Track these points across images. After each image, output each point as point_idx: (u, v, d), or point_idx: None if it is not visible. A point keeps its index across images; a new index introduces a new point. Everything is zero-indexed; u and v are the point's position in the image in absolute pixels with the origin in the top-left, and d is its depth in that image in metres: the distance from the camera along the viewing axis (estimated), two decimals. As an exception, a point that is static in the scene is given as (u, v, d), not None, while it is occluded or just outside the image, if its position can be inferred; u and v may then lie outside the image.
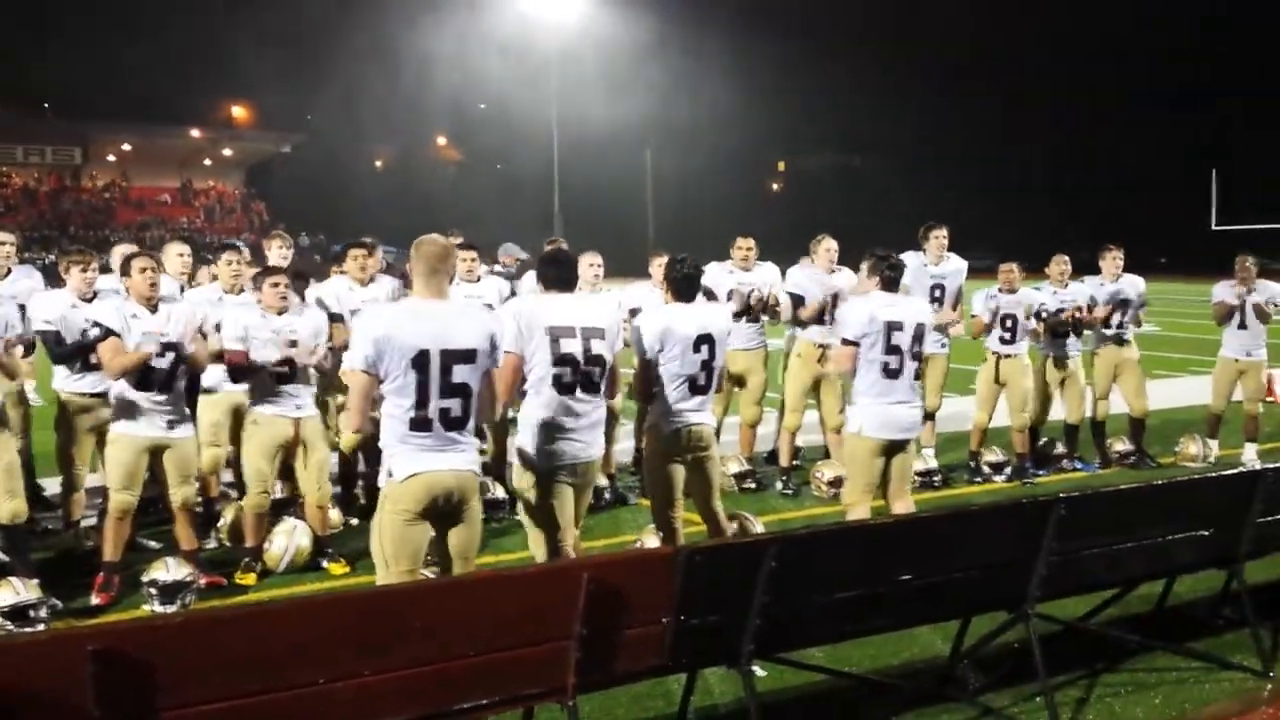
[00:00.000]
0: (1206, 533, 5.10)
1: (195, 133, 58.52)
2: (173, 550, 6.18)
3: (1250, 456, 9.39)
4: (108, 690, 2.90)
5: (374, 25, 58.61)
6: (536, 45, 41.98)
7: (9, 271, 7.35)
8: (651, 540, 6.20)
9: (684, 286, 5.70)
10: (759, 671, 4.48)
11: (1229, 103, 63.96)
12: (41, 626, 5.38)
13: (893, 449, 5.96)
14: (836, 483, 8.00)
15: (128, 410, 5.94)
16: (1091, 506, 4.71)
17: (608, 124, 51.00)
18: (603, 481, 7.87)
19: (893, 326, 5.87)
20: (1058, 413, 9.34)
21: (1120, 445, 9.37)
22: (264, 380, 6.27)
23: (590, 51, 46.27)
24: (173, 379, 6.02)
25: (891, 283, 6.01)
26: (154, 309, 6.01)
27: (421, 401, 4.25)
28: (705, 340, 5.57)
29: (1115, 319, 9.23)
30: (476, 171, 67.60)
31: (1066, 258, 9.35)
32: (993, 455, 8.93)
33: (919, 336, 5.97)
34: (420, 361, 4.23)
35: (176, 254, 7.51)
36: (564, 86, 42.25)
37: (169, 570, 5.81)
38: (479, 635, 3.47)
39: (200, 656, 3.10)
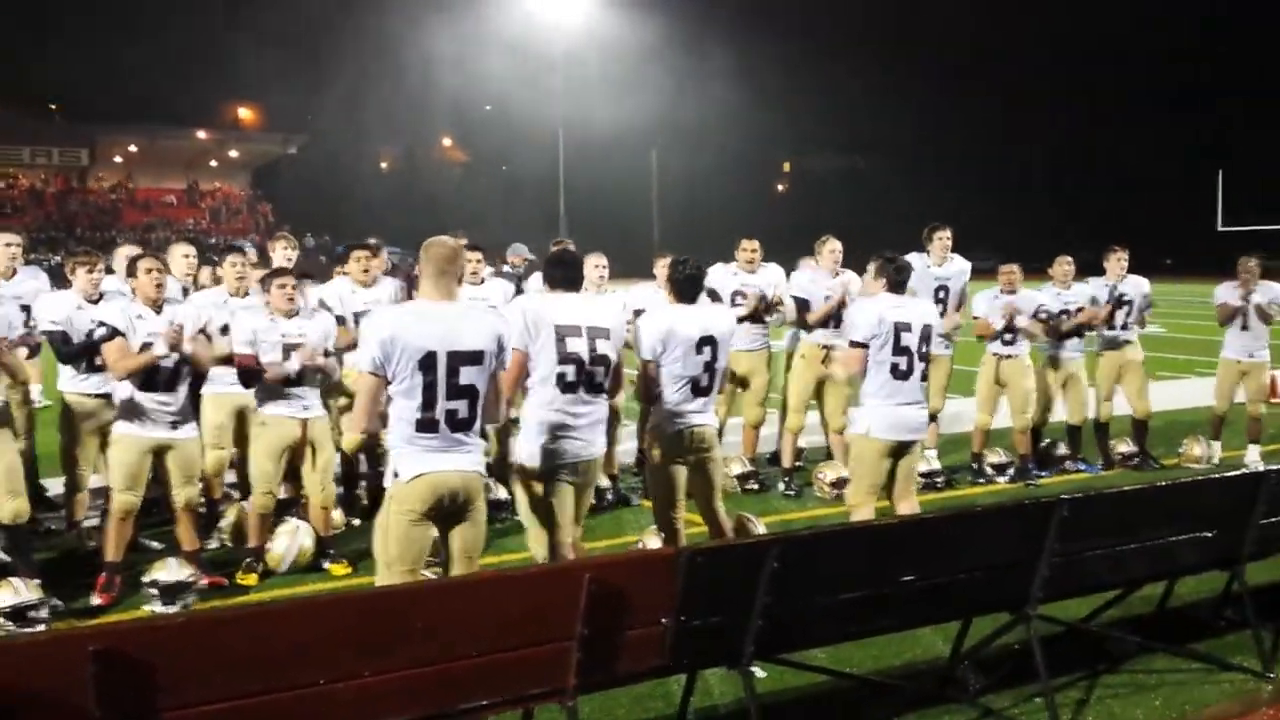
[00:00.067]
0: (1209, 534, 5.09)
1: (201, 134, 58.70)
2: (174, 551, 6.19)
3: (1253, 458, 9.37)
4: (109, 691, 2.91)
5: (379, 27, 58.74)
6: (542, 46, 42.03)
7: (14, 272, 7.37)
8: (653, 541, 6.21)
9: (686, 288, 5.70)
10: (759, 672, 4.48)
11: (1229, 103, 63.88)
12: (43, 627, 5.39)
13: (900, 450, 5.96)
14: (839, 484, 8.00)
15: (131, 411, 5.95)
16: (1094, 508, 4.70)
17: (613, 125, 51.06)
18: (605, 482, 7.88)
19: (901, 328, 5.88)
20: (1060, 414, 9.32)
21: (1123, 446, 9.36)
22: (275, 382, 6.28)
23: (595, 53, 46.34)
24: (177, 380, 6.03)
25: (898, 285, 6.02)
26: (159, 310, 6.03)
27: (428, 403, 4.27)
28: (708, 342, 5.58)
29: (1118, 318, 9.21)
30: (481, 173, 67.71)
31: (1070, 258, 9.35)
32: (996, 456, 8.92)
33: (926, 337, 5.98)
34: (428, 363, 4.25)
35: (182, 255, 7.53)
36: (569, 88, 42.35)
37: (170, 571, 5.82)
38: (480, 636, 3.48)
39: (201, 657, 3.10)
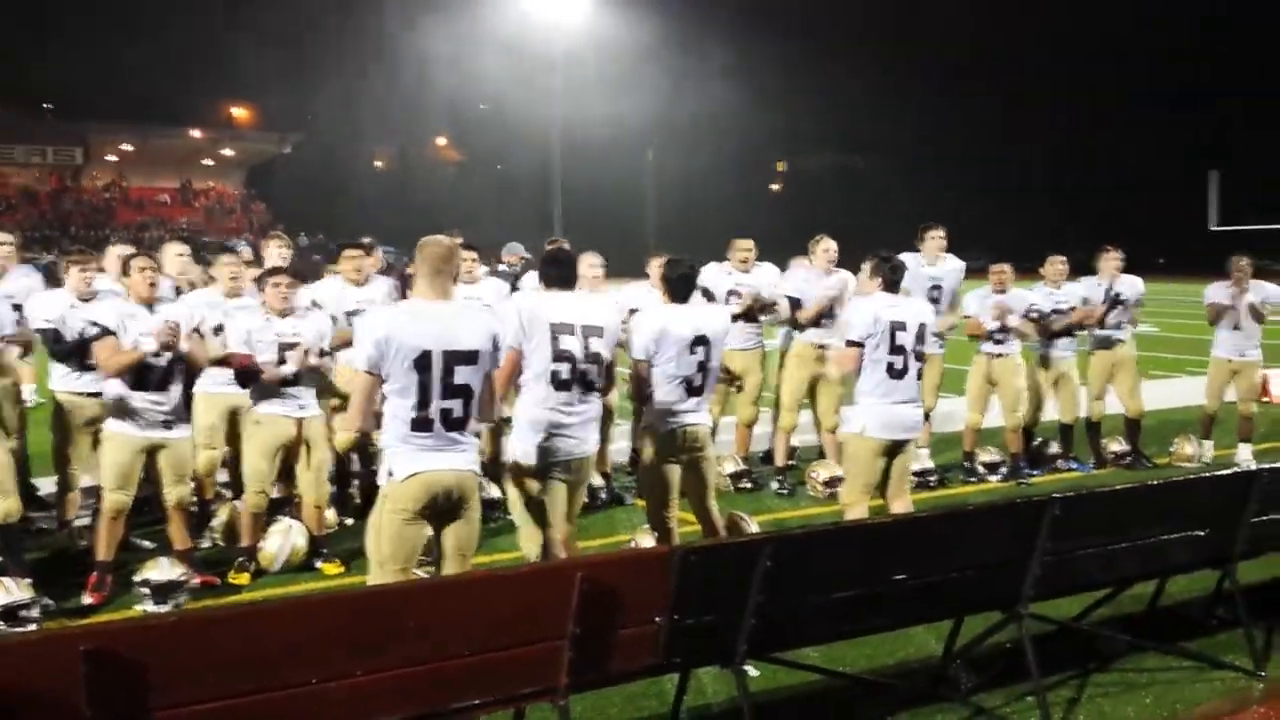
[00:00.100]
0: (1201, 533, 5.11)
1: (195, 133, 58.55)
2: (166, 550, 6.18)
3: (1245, 457, 9.40)
4: (100, 690, 2.90)
5: (374, 25, 58.63)
6: (537, 45, 41.94)
7: (6, 271, 7.35)
8: (646, 540, 6.21)
9: (680, 287, 5.72)
10: (752, 671, 4.49)
11: (1229, 103, 63.94)
12: (34, 626, 5.38)
13: (895, 449, 5.97)
14: (832, 483, 8.02)
15: (123, 410, 5.94)
16: (1086, 506, 4.72)
17: (608, 124, 51.03)
18: (598, 481, 7.88)
19: (897, 327, 5.90)
20: (1051, 413, 9.34)
21: (1115, 445, 9.38)
22: (271, 382, 6.27)
23: (591, 52, 46.26)
24: (169, 379, 6.02)
25: (893, 284, 6.04)
26: (152, 309, 6.02)
27: (423, 402, 4.28)
28: (701, 341, 5.59)
29: (1111, 317, 9.22)
30: (476, 172, 67.61)
31: (1063, 258, 9.36)
32: (988, 455, 8.94)
33: (921, 336, 5.99)
34: (423, 362, 4.26)
35: (176, 254, 7.52)
36: (565, 87, 42.23)
37: (162, 570, 5.81)
38: (473, 635, 3.48)
39: (193, 656, 3.10)
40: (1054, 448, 9.28)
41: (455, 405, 4.33)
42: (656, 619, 3.78)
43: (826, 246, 8.62)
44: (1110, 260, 9.36)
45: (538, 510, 5.10)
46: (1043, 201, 65.75)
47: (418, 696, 3.43)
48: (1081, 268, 9.53)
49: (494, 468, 7.79)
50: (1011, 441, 8.92)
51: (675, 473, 5.71)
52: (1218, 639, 5.37)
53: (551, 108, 41.09)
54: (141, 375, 5.90)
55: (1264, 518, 5.22)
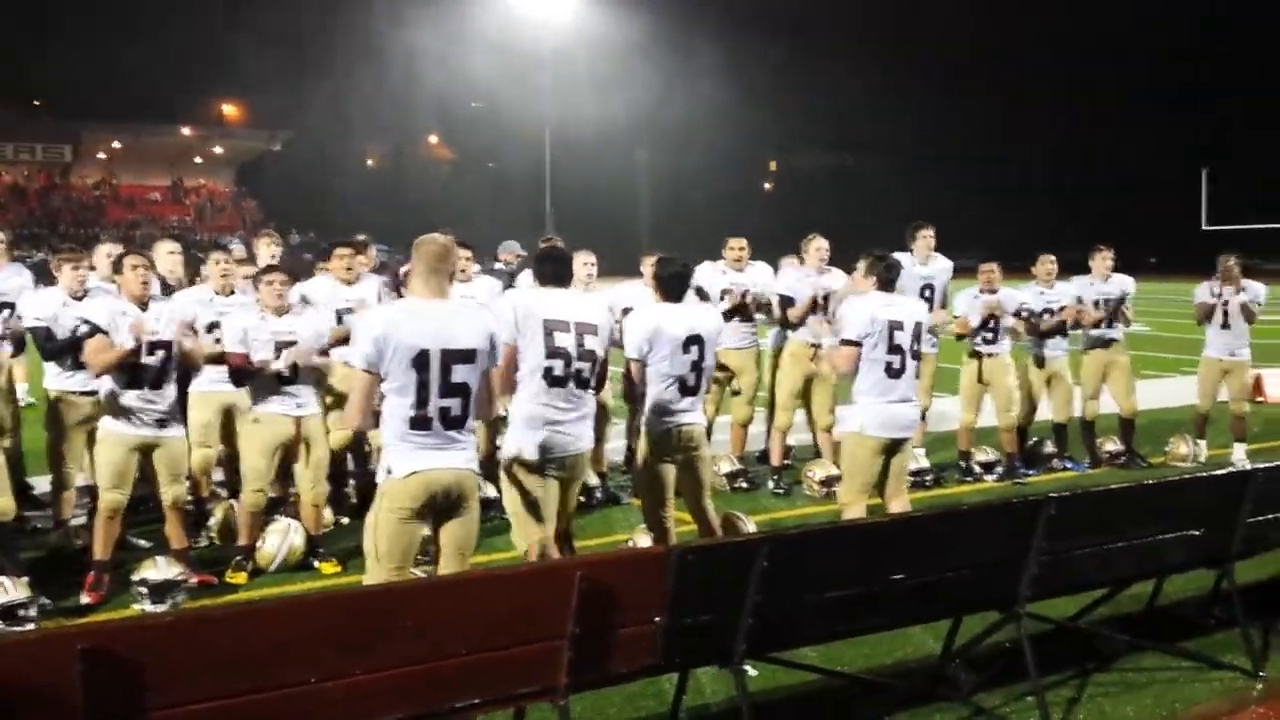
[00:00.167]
0: (1197, 532, 5.11)
1: (186, 131, 58.40)
2: (163, 549, 6.16)
3: (1239, 456, 9.41)
4: (97, 689, 2.89)
5: (365, 23, 58.54)
6: (529, 44, 41.95)
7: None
8: (644, 540, 6.21)
9: (673, 286, 5.71)
10: (751, 671, 4.47)
11: (1228, 103, 64.07)
12: (31, 626, 5.35)
13: (893, 448, 5.97)
14: (828, 482, 8.02)
15: (117, 409, 5.91)
16: (1082, 506, 4.71)
17: (600, 123, 51.05)
18: (595, 481, 7.88)
19: (894, 326, 5.89)
20: (1045, 412, 9.34)
21: (1110, 445, 9.39)
22: (265, 380, 6.26)
23: (583, 50, 46.27)
24: (163, 378, 5.99)
25: (889, 283, 6.04)
26: (144, 307, 5.99)
27: (422, 401, 4.28)
28: (695, 341, 5.59)
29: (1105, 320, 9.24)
30: (468, 170, 67.58)
31: (1053, 257, 9.37)
32: (984, 454, 8.94)
33: (918, 335, 5.99)
34: (421, 361, 4.25)
35: (167, 252, 7.50)
36: (557, 85, 42.29)
37: (159, 569, 5.79)
38: (471, 634, 3.46)
39: (190, 656, 3.08)
40: (1049, 447, 9.29)
41: (454, 404, 4.33)
42: (655, 619, 3.77)
43: (819, 245, 8.62)
44: (1103, 259, 9.37)
45: (531, 507, 5.10)
46: (1042, 201, 65.90)
47: (416, 696, 3.41)
48: (1078, 267, 9.54)
49: (489, 465, 7.79)
50: (1006, 441, 8.93)
51: (671, 472, 5.71)
52: (1215, 639, 5.37)
53: (543, 106, 41.07)
54: (135, 374, 5.88)
55: (1260, 518, 5.23)
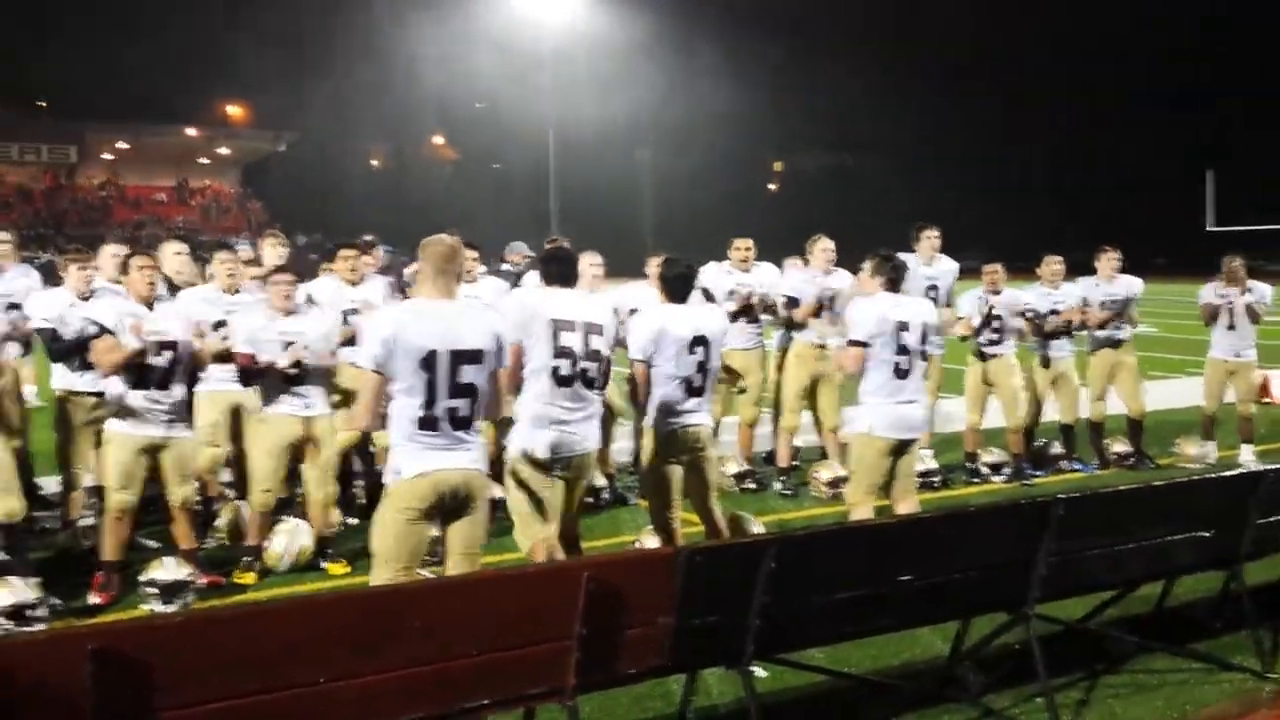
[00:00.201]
0: (1206, 534, 5.10)
1: (191, 131, 58.42)
2: (172, 550, 6.16)
3: (1247, 458, 9.40)
4: (108, 690, 2.89)
5: (370, 24, 58.60)
6: (533, 44, 41.94)
7: (3, 270, 7.31)
8: (651, 541, 6.20)
9: (678, 287, 5.71)
10: (759, 672, 4.47)
11: (1229, 103, 63.89)
12: (41, 626, 5.36)
13: (901, 449, 5.96)
14: (835, 483, 8.01)
15: (125, 409, 5.93)
16: (1090, 507, 4.71)
17: (604, 123, 51.03)
18: (602, 482, 7.87)
19: (901, 327, 5.88)
20: (1052, 414, 9.32)
21: (1119, 446, 9.37)
22: (274, 381, 6.26)
23: (586, 51, 46.24)
24: (171, 378, 6.00)
25: (895, 283, 6.02)
26: (151, 307, 6.01)
27: (430, 401, 4.29)
28: (700, 341, 5.59)
29: (1112, 321, 9.22)
30: (473, 171, 67.58)
31: (1059, 258, 9.34)
32: (991, 456, 8.92)
33: (925, 336, 5.98)
34: (429, 362, 4.27)
35: (174, 253, 7.50)
36: (560, 86, 42.22)
37: (168, 570, 5.80)
38: (479, 635, 3.47)
39: (199, 656, 3.09)
40: (1057, 448, 9.27)
41: (461, 404, 4.34)
42: (662, 620, 3.77)
43: (825, 246, 8.62)
44: (1108, 260, 9.35)
45: (536, 507, 5.10)
46: (1042, 202, 65.80)
47: (424, 697, 3.41)
48: (1081, 268, 9.52)
49: (497, 466, 7.79)
50: (1013, 442, 8.91)
51: (677, 473, 5.70)
52: (1225, 640, 5.36)
53: (547, 106, 41.06)
54: (142, 374, 5.89)
55: (1269, 519, 5.21)
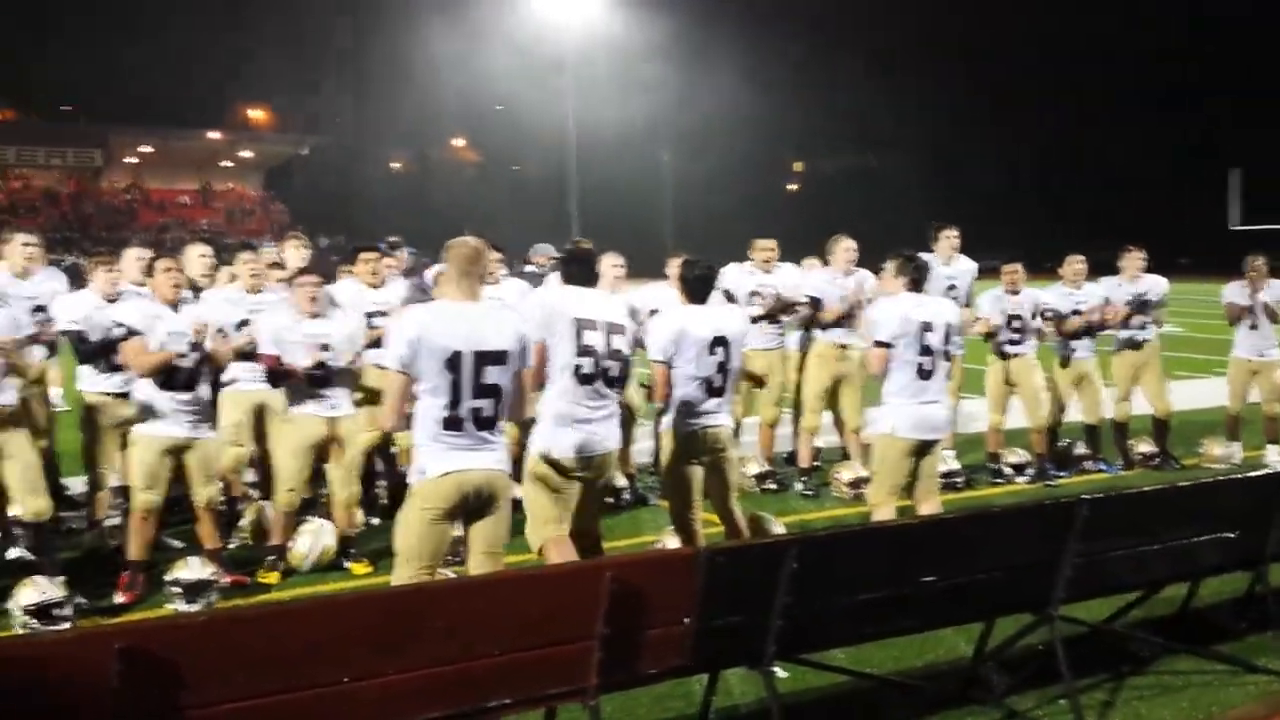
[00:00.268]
0: (1232, 535, 5.06)
1: (214, 135, 58.86)
2: (196, 549, 6.21)
3: (1274, 458, 9.31)
4: (134, 688, 2.92)
5: (391, 28, 58.82)
6: (553, 47, 42.01)
7: (31, 273, 7.37)
8: (672, 541, 6.19)
9: (698, 288, 5.71)
10: (780, 672, 4.47)
11: (1217, 102, 63.14)
12: (67, 625, 5.41)
13: (924, 449, 5.95)
14: (857, 483, 7.98)
15: (150, 410, 5.98)
16: (1116, 508, 4.68)
17: (625, 125, 51.02)
18: (623, 482, 7.88)
19: (925, 327, 5.86)
20: (1075, 414, 9.27)
21: (1143, 446, 9.30)
22: (299, 383, 6.30)
23: (606, 53, 46.29)
24: (196, 379, 6.06)
25: (918, 283, 6.00)
26: (176, 309, 6.06)
27: (454, 401, 4.33)
28: (720, 342, 5.58)
29: (1135, 319, 9.16)
30: (493, 173, 67.77)
31: (1081, 258, 9.28)
32: (1014, 456, 8.87)
33: (948, 336, 5.96)
34: (453, 362, 4.31)
35: (198, 255, 7.55)
36: (580, 88, 42.26)
37: (192, 569, 5.84)
38: (501, 635, 3.48)
39: (224, 655, 3.11)
40: (1081, 449, 9.21)
41: (485, 404, 4.38)
42: (684, 620, 3.77)
43: (847, 246, 8.60)
44: (1133, 260, 9.30)
45: (552, 505, 5.10)
46: (1068, 200, 65.44)
47: (447, 697, 3.43)
48: (1104, 268, 9.45)
49: (519, 466, 7.81)
50: (1037, 442, 8.86)
51: (698, 474, 5.70)
52: (1250, 642, 5.31)
53: (567, 108, 41.11)
54: (168, 375, 5.95)
55: (1296, 519, 5.17)
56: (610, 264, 7.51)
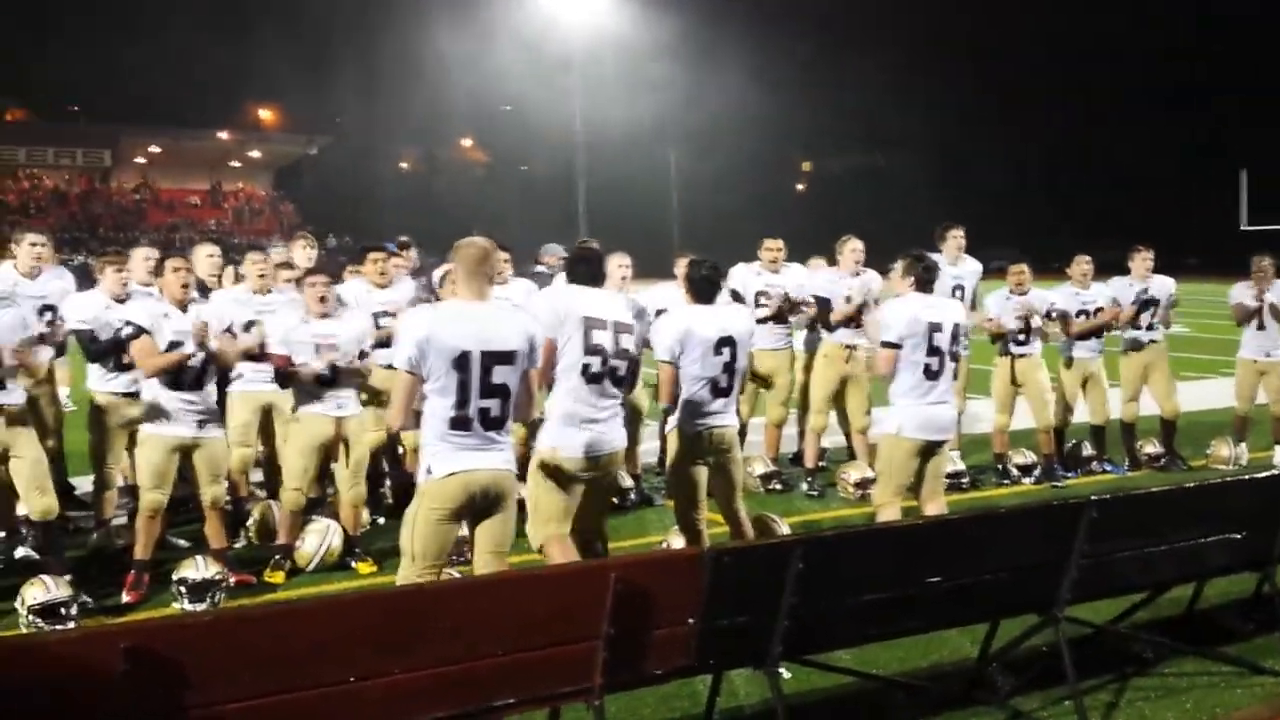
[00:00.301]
0: (1238, 535, 5.04)
1: (223, 135, 58.98)
2: (202, 549, 6.23)
3: (1281, 459, 9.29)
4: (140, 688, 2.93)
5: (400, 27, 58.87)
6: (560, 47, 42.03)
7: (40, 273, 7.39)
8: (678, 541, 6.19)
9: (704, 288, 5.71)
10: (785, 673, 4.47)
11: (1225, 100, 62.90)
12: (73, 624, 5.42)
13: (930, 450, 5.94)
14: (863, 484, 7.98)
15: (158, 410, 6.00)
16: (1122, 509, 4.68)
17: (632, 125, 51.03)
18: (628, 482, 7.88)
19: (933, 328, 5.85)
20: (1082, 415, 9.25)
21: (1150, 447, 9.28)
22: (308, 384, 6.31)
23: (614, 52, 46.28)
24: (203, 378, 6.08)
25: (927, 284, 5.99)
26: (185, 309, 6.09)
27: (462, 401, 4.34)
28: (726, 342, 5.58)
29: (1144, 319, 9.14)
30: (501, 173, 67.78)
31: (1089, 258, 9.26)
32: (1021, 457, 8.85)
33: (956, 337, 5.95)
34: (462, 362, 4.32)
35: (206, 255, 7.59)
36: (588, 87, 42.31)
37: (198, 568, 5.85)
38: (506, 635, 3.48)
39: (230, 654, 3.12)
40: (1088, 450, 9.19)
41: (493, 405, 4.39)
42: (689, 620, 3.77)
43: (854, 247, 8.60)
44: (1142, 260, 9.28)
45: (555, 503, 5.10)
46: (1038, 199, 65.39)
47: (451, 696, 3.43)
48: (1114, 267, 9.43)
49: (524, 466, 7.81)
50: (1044, 443, 8.84)
51: (703, 474, 5.70)
52: (1256, 643, 5.30)
53: (574, 108, 41.12)
54: (176, 375, 5.98)
55: (1303, 520, 5.15)
56: (617, 264, 7.51)
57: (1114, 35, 65.22)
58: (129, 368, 6.33)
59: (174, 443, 6.01)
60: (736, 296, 8.16)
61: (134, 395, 6.47)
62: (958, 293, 8.78)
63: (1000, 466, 8.88)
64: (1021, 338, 8.69)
